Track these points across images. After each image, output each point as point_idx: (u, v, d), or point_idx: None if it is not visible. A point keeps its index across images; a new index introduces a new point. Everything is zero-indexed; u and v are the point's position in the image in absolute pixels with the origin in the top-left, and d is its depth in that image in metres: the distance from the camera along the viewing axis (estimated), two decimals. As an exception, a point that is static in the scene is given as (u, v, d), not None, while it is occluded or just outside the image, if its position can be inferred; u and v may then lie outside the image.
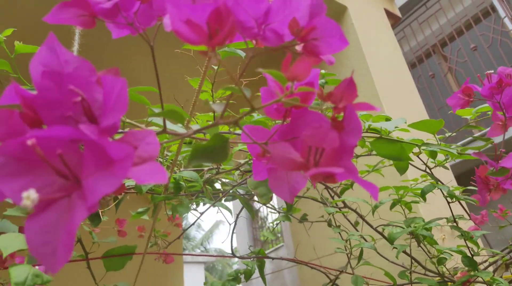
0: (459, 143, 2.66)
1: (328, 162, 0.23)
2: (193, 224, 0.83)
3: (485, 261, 0.87)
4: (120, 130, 0.40)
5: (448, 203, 0.75)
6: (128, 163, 0.18)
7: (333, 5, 1.87)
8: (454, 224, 0.77)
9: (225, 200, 0.77)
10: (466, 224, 1.21)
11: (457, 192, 0.86)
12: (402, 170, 0.64)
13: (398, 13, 2.30)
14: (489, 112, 0.72)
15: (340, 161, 0.23)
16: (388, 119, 0.68)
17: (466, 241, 0.72)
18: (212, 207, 0.75)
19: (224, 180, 0.78)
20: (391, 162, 0.90)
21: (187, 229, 0.86)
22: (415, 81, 3.45)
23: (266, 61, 2.11)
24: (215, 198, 0.68)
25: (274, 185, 0.31)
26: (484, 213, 0.93)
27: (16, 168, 0.19)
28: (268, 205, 0.94)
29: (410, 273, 0.74)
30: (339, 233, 0.84)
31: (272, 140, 0.31)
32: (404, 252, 0.76)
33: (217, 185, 0.86)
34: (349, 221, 0.94)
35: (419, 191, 0.80)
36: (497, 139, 0.55)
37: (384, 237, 0.83)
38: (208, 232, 13.87)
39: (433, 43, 3.85)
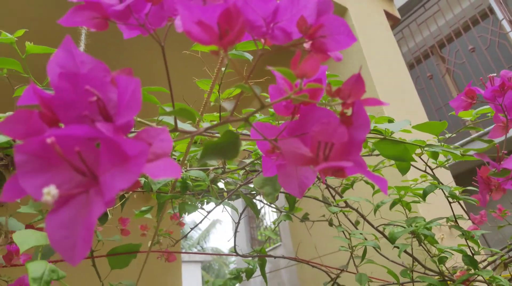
0: (457, 144, 2.68)
1: (338, 157, 0.24)
2: (200, 222, 0.84)
3: (484, 260, 0.88)
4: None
5: (450, 203, 0.77)
6: (143, 159, 0.19)
7: (333, 6, 1.88)
8: (455, 224, 0.78)
9: (228, 199, 0.78)
10: (464, 224, 1.22)
11: (456, 192, 0.87)
12: (404, 170, 0.65)
13: (398, 15, 2.31)
14: (489, 114, 0.73)
15: (350, 155, 0.24)
16: (391, 120, 0.69)
17: (467, 240, 0.73)
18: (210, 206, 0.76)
19: (228, 179, 0.78)
20: (392, 162, 0.91)
21: (195, 226, 0.86)
22: (413, 82, 3.47)
23: (269, 60, 2.12)
24: (219, 198, 0.68)
25: (284, 181, 0.32)
26: (483, 213, 0.94)
27: (37, 166, 0.20)
28: (270, 204, 0.95)
29: (412, 271, 0.75)
30: (343, 232, 0.85)
31: (281, 137, 0.32)
32: (405, 251, 0.77)
33: (219, 185, 0.87)
34: (350, 220, 0.96)
35: (419, 191, 0.82)
36: (496, 140, 0.56)
37: (385, 236, 0.84)
38: (205, 231, 13.87)
39: (431, 44, 3.87)
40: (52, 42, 0.69)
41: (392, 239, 0.75)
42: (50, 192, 0.18)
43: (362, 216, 0.87)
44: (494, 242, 2.57)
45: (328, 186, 0.91)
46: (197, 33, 0.25)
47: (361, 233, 0.83)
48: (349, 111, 0.24)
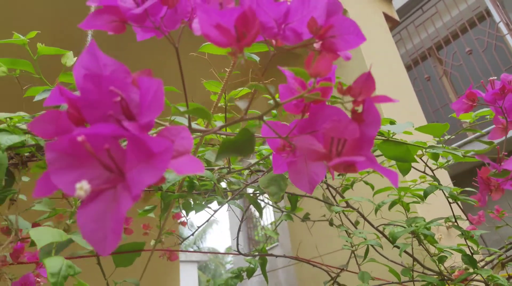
0: (454, 145, 2.71)
1: (350, 152, 0.25)
2: (207, 221, 0.85)
3: (482, 260, 0.90)
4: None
5: (450, 203, 0.78)
6: (168, 156, 0.20)
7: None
8: (455, 224, 0.79)
9: (228, 199, 0.79)
10: (462, 225, 1.24)
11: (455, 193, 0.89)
12: (405, 171, 0.66)
13: (396, 17, 2.33)
14: (488, 116, 0.75)
15: (361, 151, 0.25)
16: (392, 122, 0.70)
17: (466, 240, 0.75)
18: (212, 206, 0.77)
19: (230, 179, 0.79)
20: (392, 162, 0.92)
21: (202, 225, 0.87)
22: (411, 83, 3.49)
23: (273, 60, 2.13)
24: (224, 197, 0.69)
25: (295, 178, 0.33)
26: (481, 214, 0.95)
27: (66, 163, 0.21)
28: (272, 204, 0.96)
29: (412, 270, 0.76)
30: (345, 231, 0.86)
31: (292, 135, 0.33)
32: (405, 251, 0.79)
33: (222, 185, 0.88)
34: (349, 220, 0.97)
35: (418, 192, 0.83)
36: (495, 141, 0.58)
37: (385, 236, 0.85)
38: (201, 231, 13.85)
39: (429, 46, 3.89)
40: (60, 43, 0.70)
41: (392, 239, 0.76)
42: (83, 187, 0.19)
43: (363, 216, 0.88)
44: (491, 242, 2.60)
45: (328, 186, 0.92)
46: (215, 36, 0.27)
47: (360, 232, 0.84)
48: (359, 109, 0.25)
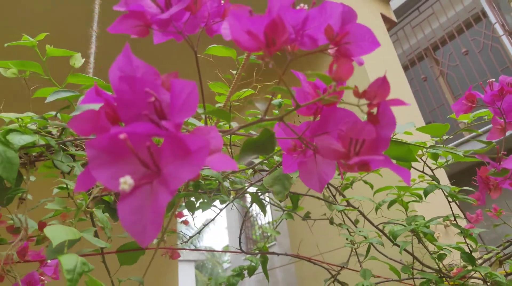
0: (451, 144, 2.72)
1: (366, 152, 0.27)
2: (213, 219, 0.86)
3: (480, 258, 0.91)
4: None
5: (449, 202, 0.79)
6: (205, 153, 0.21)
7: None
8: (453, 222, 0.81)
9: (233, 198, 0.80)
10: (460, 223, 1.25)
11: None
12: (405, 170, 0.68)
13: (394, 18, 2.35)
14: (485, 117, 0.76)
15: (377, 151, 0.27)
16: (393, 122, 0.72)
17: (466, 238, 0.76)
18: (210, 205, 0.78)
19: (232, 178, 0.81)
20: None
21: (207, 224, 0.88)
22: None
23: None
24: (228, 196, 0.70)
25: (305, 177, 0.35)
26: (479, 212, 0.97)
27: (105, 160, 0.22)
28: (273, 203, 0.97)
29: (412, 268, 0.78)
30: (347, 230, 0.88)
31: (304, 136, 0.34)
32: (404, 249, 0.80)
33: (225, 184, 0.89)
34: (349, 219, 0.98)
35: (417, 191, 0.85)
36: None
37: (384, 234, 0.86)
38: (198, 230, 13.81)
39: (425, 46, 3.92)
40: (64, 44, 0.70)
41: (393, 237, 0.77)
42: (127, 182, 0.20)
43: (363, 215, 0.90)
44: (489, 240, 2.63)
45: (329, 186, 0.93)
46: (245, 40, 0.28)
47: (360, 231, 0.85)
48: (374, 111, 0.27)
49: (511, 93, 0.56)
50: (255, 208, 5.20)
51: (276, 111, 0.77)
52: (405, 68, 4.01)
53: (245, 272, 1.02)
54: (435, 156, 0.71)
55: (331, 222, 0.99)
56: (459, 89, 3.52)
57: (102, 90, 0.25)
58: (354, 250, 0.87)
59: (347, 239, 0.88)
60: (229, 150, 0.66)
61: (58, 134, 0.55)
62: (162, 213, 0.21)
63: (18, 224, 0.67)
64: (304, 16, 0.30)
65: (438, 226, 1.42)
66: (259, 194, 0.84)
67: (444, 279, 0.80)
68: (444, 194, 0.78)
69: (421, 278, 0.75)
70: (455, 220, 0.80)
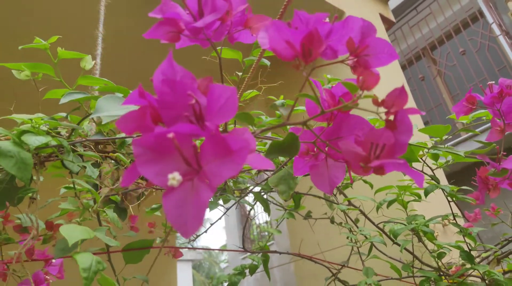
0: (448, 144, 2.74)
1: (385, 156, 0.28)
2: (219, 219, 0.87)
3: (478, 256, 0.93)
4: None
5: (449, 202, 0.81)
6: (246, 152, 0.23)
7: (331, 9, 1.93)
8: (453, 221, 0.82)
9: (239, 197, 0.81)
10: (459, 222, 1.27)
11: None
12: (406, 170, 0.69)
13: (393, 18, 2.36)
14: (484, 118, 0.78)
15: (395, 155, 0.28)
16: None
17: (465, 237, 0.78)
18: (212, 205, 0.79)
19: (237, 178, 0.82)
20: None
21: (213, 224, 0.89)
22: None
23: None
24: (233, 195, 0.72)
25: (316, 180, 0.36)
26: (477, 211, 0.99)
27: (150, 157, 0.24)
28: (274, 202, 0.98)
29: (412, 266, 0.79)
30: (349, 229, 0.89)
31: (318, 140, 0.35)
32: (404, 247, 0.81)
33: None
34: (350, 218, 1.00)
35: (417, 191, 0.86)
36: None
37: (385, 233, 0.88)
38: (196, 229, 13.82)
39: (423, 46, 3.94)
40: (70, 46, 0.71)
41: (393, 236, 0.79)
42: (175, 178, 0.22)
43: (364, 214, 0.91)
44: (487, 239, 2.65)
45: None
46: (282, 49, 0.30)
47: (361, 230, 0.87)
48: (391, 118, 0.28)
49: (511, 95, 0.57)
50: (254, 208, 5.21)
51: (278, 112, 0.78)
52: (403, 67, 4.04)
53: (246, 271, 1.03)
54: (435, 157, 0.73)
55: (332, 221, 1.00)
56: (457, 89, 3.55)
57: (146, 92, 0.26)
58: (355, 249, 0.89)
59: (348, 238, 0.89)
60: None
61: (68, 135, 0.56)
62: (205, 208, 0.22)
63: (26, 223, 0.68)
64: (329, 29, 0.32)
65: (436, 225, 1.44)
66: (262, 193, 0.85)
67: (443, 277, 0.81)
68: (444, 193, 0.79)
69: (421, 276, 0.77)
70: (454, 219, 0.82)
